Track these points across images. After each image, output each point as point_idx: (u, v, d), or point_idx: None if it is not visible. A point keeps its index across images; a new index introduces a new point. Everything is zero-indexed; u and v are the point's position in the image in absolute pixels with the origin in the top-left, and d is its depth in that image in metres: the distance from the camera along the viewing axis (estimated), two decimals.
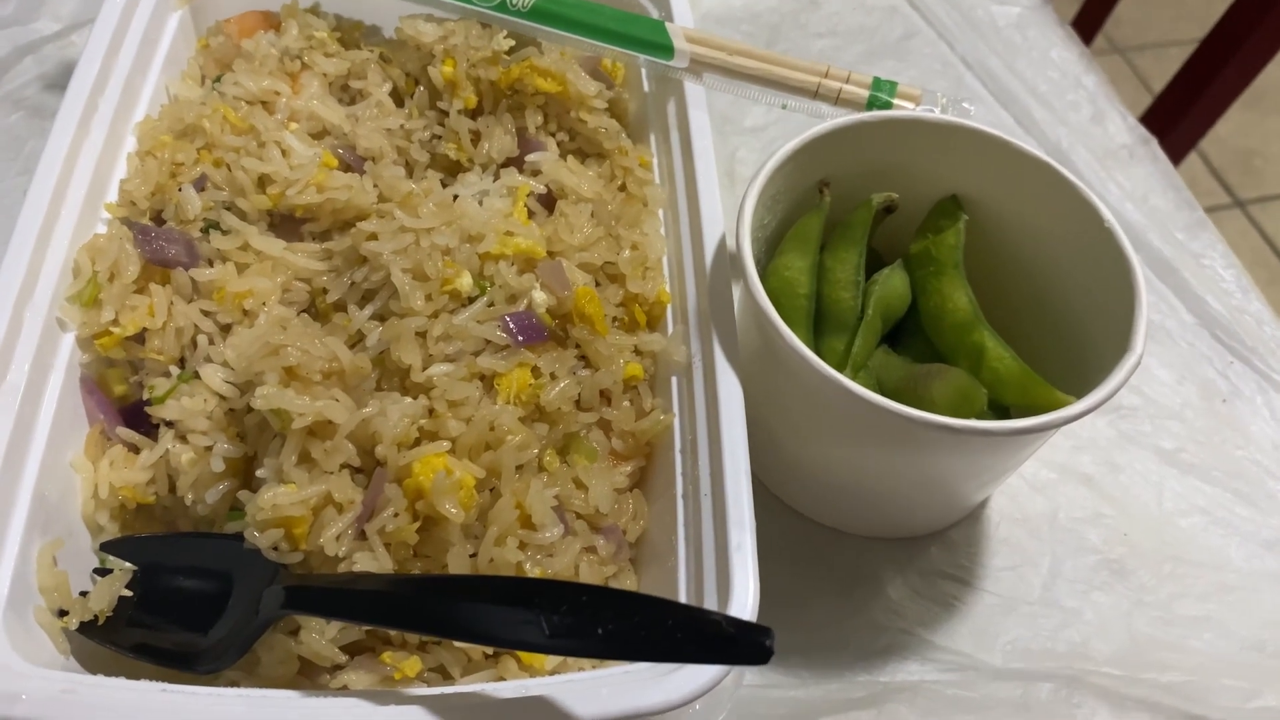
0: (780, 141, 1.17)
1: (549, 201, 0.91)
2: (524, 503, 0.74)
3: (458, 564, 0.71)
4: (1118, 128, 1.24)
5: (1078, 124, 1.24)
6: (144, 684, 0.65)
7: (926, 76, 1.27)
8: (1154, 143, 1.23)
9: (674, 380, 0.83)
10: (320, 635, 0.69)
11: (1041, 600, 0.89)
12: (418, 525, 0.71)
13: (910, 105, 0.95)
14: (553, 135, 0.95)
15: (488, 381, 0.78)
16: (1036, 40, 1.31)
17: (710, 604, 0.70)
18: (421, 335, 0.78)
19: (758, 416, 0.76)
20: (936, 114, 0.92)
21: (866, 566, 0.89)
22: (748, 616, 0.67)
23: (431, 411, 0.76)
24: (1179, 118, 1.72)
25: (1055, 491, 0.96)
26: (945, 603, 0.88)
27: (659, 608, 0.58)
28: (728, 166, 1.16)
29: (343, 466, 0.73)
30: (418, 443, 0.74)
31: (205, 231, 0.84)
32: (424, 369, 0.77)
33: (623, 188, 0.95)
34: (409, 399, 0.75)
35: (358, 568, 0.69)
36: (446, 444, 0.73)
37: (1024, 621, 0.88)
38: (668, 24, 0.97)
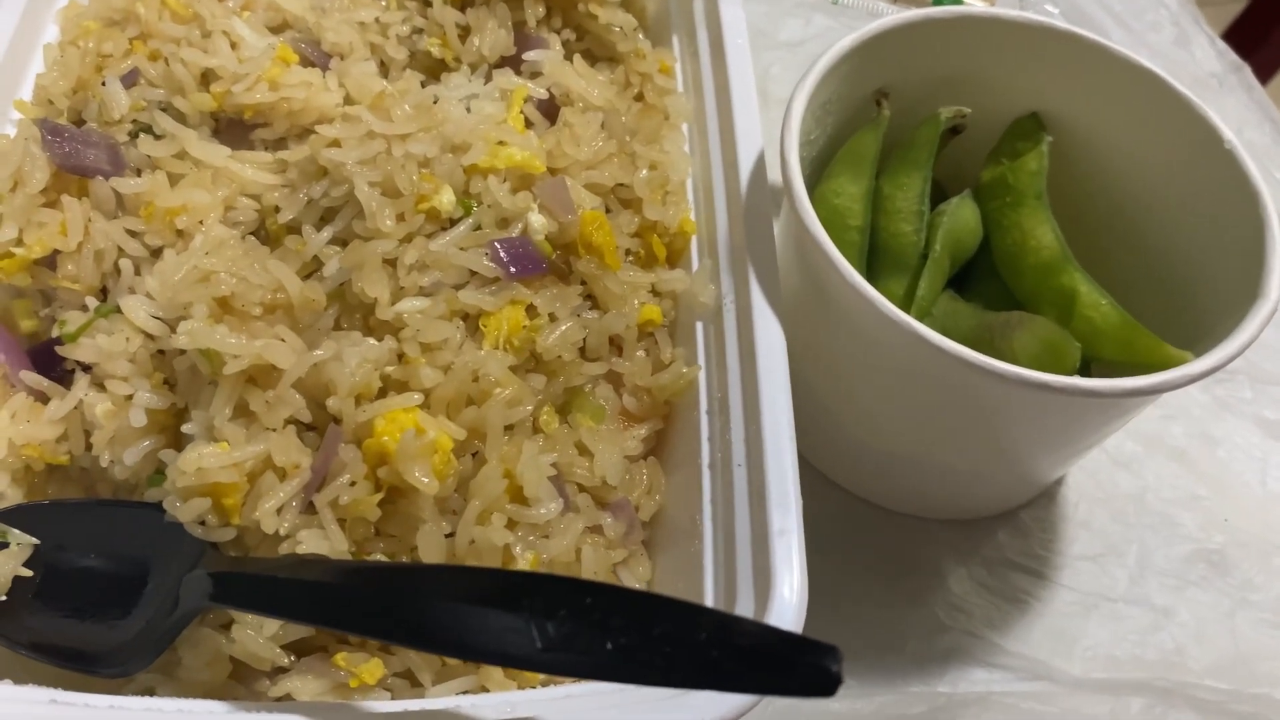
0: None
1: (550, 110, 0.76)
2: (514, 471, 0.59)
3: (430, 546, 0.57)
4: (1205, 53, 1.09)
5: (1159, 47, 1.08)
6: (29, 691, 0.51)
7: None
8: (1246, 70, 1.08)
9: (699, 327, 0.69)
10: (258, 632, 0.55)
11: (1127, 597, 0.75)
12: (380, 497, 0.57)
13: (984, 3, 0.80)
14: (556, 32, 0.80)
15: (471, 322, 0.64)
16: None
17: (745, 600, 0.56)
18: (390, 263, 0.64)
19: (796, 373, 0.62)
20: (1017, 11, 0.76)
21: (924, 553, 0.75)
22: (792, 619, 0.53)
23: (401, 357, 0.61)
24: (1271, 29, 1.53)
25: (1142, 468, 0.81)
26: (1015, 599, 0.74)
27: (687, 615, 0.43)
28: (760, 86, 1.01)
29: (288, 422, 0.59)
30: (382, 394, 0.60)
31: (134, 136, 0.69)
32: (392, 304, 0.62)
33: (639, 97, 0.80)
34: (372, 340, 0.61)
35: (304, 548, 0.55)
36: (418, 396, 0.59)
37: (1107, 623, 0.74)
38: None
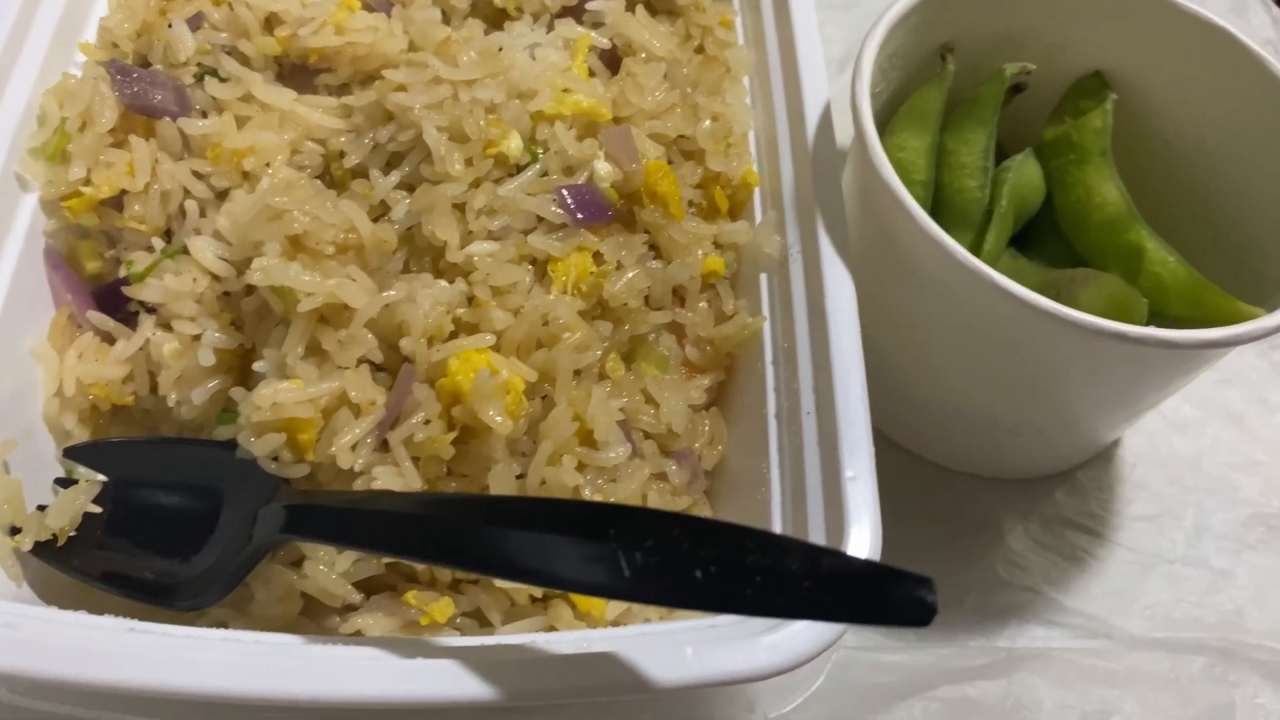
0: (874, 19, 1.01)
1: (612, 61, 0.76)
2: (584, 415, 0.59)
3: (502, 486, 0.57)
4: (1261, 20, 1.07)
5: (1215, 13, 1.07)
6: (108, 620, 0.51)
7: None
8: None
9: (763, 279, 0.68)
10: (329, 568, 0.55)
11: (1185, 559, 0.75)
12: (454, 435, 0.57)
13: None
14: None
15: (539, 267, 0.64)
16: None
17: (817, 541, 0.55)
18: (459, 208, 0.64)
19: (863, 330, 0.62)
20: None
21: (982, 511, 0.75)
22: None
23: (471, 300, 0.61)
24: None
25: (1199, 432, 0.81)
26: (1074, 557, 0.74)
27: (778, 545, 0.43)
28: None
29: (360, 362, 0.59)
30: (453, 336, 0.60)
31: (199, 79, 0.69)
32: (462, 247, 0.62)
33: (699, 50, 0.79)
34: (444, 282, 0.61)
35: (378, 484, 0.55)
36: (491, 338, 0.59)
37: (1166, 583, 0.74)
38: None
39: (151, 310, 0.65)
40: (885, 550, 0.55)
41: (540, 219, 0.64)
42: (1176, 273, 0.68)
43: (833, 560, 0.43)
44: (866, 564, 0.43)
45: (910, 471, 0.76)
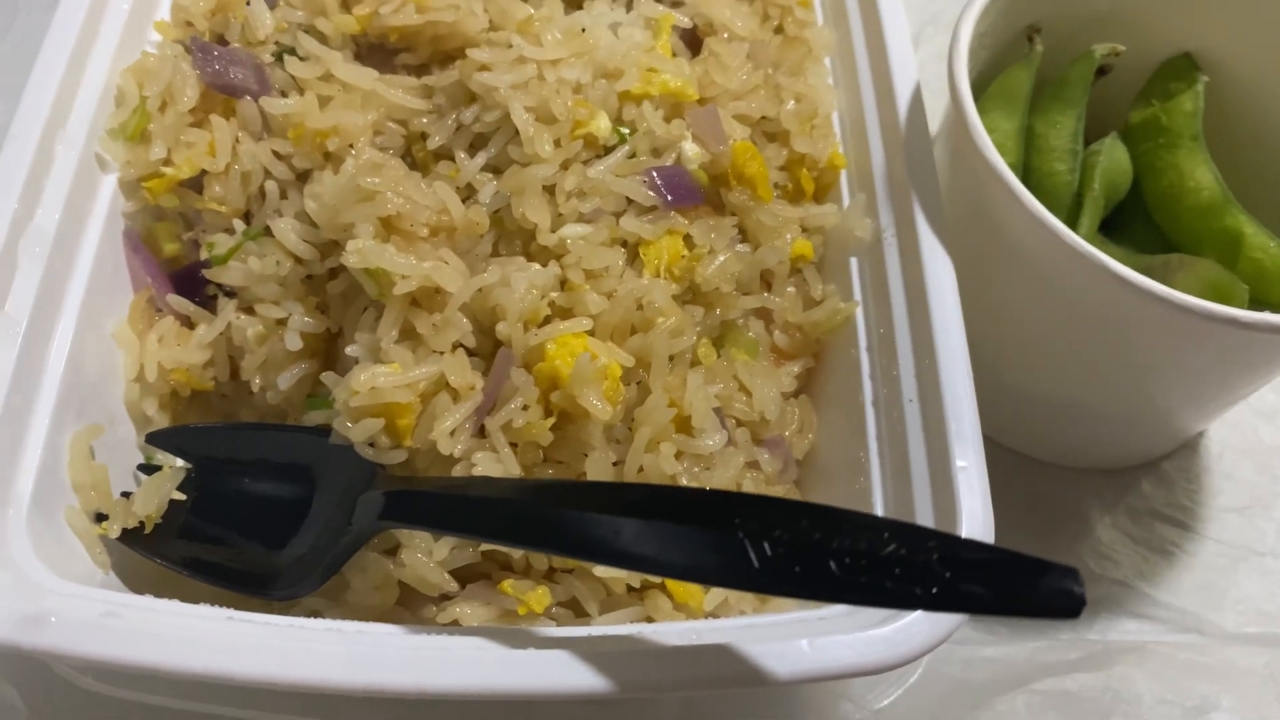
0: (943, 2, 0.99)
1: (693, 41, 0.74)
2: (679, 401, 0.58)
3: (599, 473, 0.56)
4: None
5: None
6: (206, 609, 0.50)
7: None
8: None
9: (853, 263, 0.67)
10: (427, 557, 0.54)
11: (1276, 551, 0.74)
12: (552, 421, 0.55)
13: None
14: None
15: (630, 250, 0.62)
16: None
17: None
18: (549, 190, 0.62)
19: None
20: None
21: (1069, 502, 0.73)
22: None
23: (564, 284, 0.60)
24: None
25: None
26: (1163, 549, 0.72)
27: (915, 536, 0.42)
28: None
29: (455, 346, 0.57)
30: (547, 321, 0.59)
31: (278, 58, 0.68)
32: (554, 230, 0.61)
33: (779, 30, 0.78)
34: (537, 265, 0.59)
35: (477, 471, 0.54)
36: (587, 322, 0.58)
37: (1257, 576, 0.72)
38: None
39: (231, 294, 0.64)
40: None
41: (630, 201, 0.63)
42: (1278, 258, 0.66)
43: (975, 551, 0.42)
44: (1011, 554, 0.41)
45: (994, 460, 0.73)
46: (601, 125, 0.64)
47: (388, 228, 0.58)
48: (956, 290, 0.60)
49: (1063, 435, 0.74)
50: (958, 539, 0.45)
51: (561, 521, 0.47)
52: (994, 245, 0.65)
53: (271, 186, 0.65)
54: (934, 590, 0.40)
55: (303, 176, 0.66)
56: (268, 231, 0.63)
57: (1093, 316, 0.63)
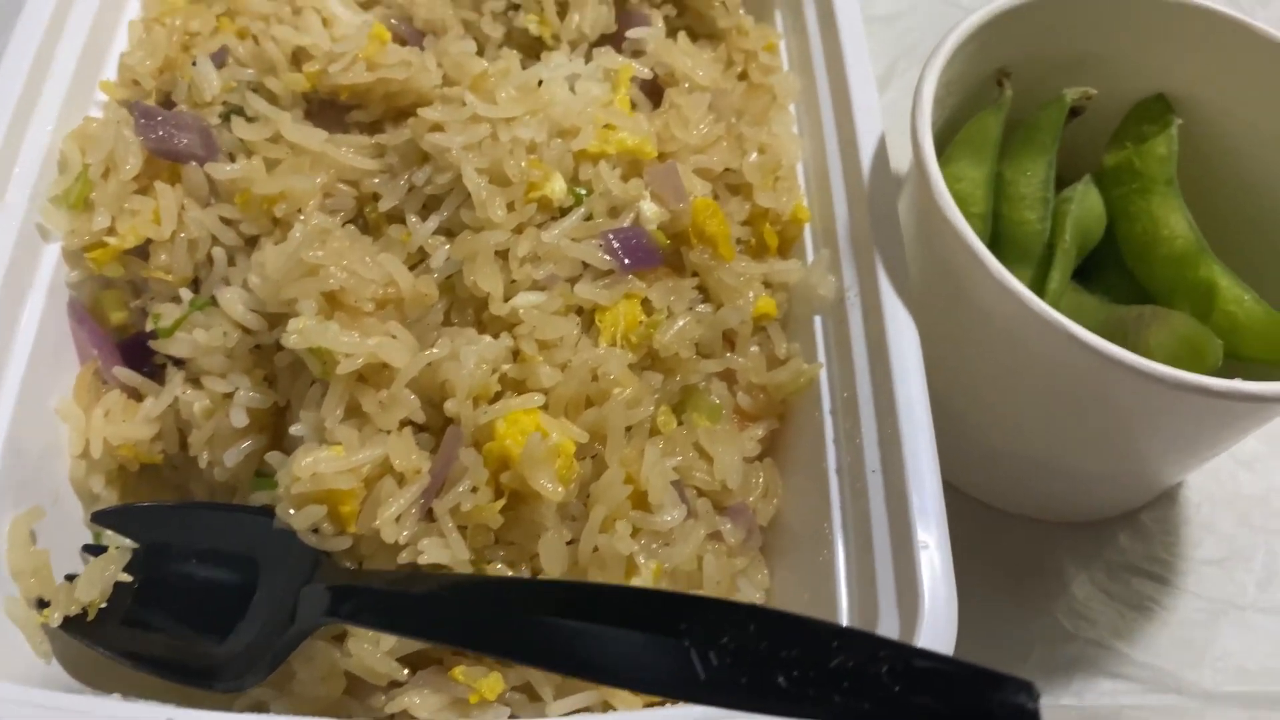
0: (917, 34, 0.98)
1: (654, 91, 0.72)
2: (636, 476, 0.56)
3: (552, 555, 0.54)
4: None
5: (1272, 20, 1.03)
6: (143, 709, 0.49)
7: None
8: None
9: (817, 321, 0.65)
10: (374, 646, 0.52)
11: (1257, 605, 0.72)
12: (503, 503, 0.54)
13: None
14: (657, 8, 0.76)
15: (586, 316, 0.61)
16: None
17: (889, 619, 0.53)
18: (502, 255, 0.61)
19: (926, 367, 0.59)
20: None
21: (1045, 557, 0.72)
22: (944, 640, 0.50)
23: (517, 354, 0.58)
24: None
25: (1266, 468, 0.78)
26: (1140, 605, 0.71)
27: (865, 645, 0.40)
28: None
29: (403, 424, 0.56)
30: (500, 395, 0.57)
31: (225, 119, 0.66)
32: (507, 299, 0.59)
33: (743, 76, 0.76)
34: (488, 338, 0.58)
35: (424, 558, 0.52)
36: (539, 397, 0.56)
37: (1236, 631, 0.71)
38: None
39: (180, 364, 0.62)
40: None
41: (586, 265, 0.61)
42: (1252, 312, 0.65)
43: (927, 661, 0.40)
44: (963, 666, 0.39)
45: (965, 513, 0.73)
46: (556, 187, 0.62)
47: (332, 303, 0.56)
48: (920, 354, 0.59)
49: (1036, 490, 0.72)
50: (909, 649, 0.43)
51: (506, 625, 0.45)
52: (960, 305, 0.63)
53: (219, 253, 0.63)
54: (883, 704, 0.38)
55: (251, 242, 0.64)
56: (215, 301, 0.61)
57: (1063, 379, 0.61)
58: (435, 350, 0.56)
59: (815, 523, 0.59)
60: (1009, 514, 0.74)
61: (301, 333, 0.54)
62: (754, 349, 0.66)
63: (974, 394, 0.68)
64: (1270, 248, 0.71)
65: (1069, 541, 0.73)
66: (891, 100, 0.93)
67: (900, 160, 0.69)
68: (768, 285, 0.68)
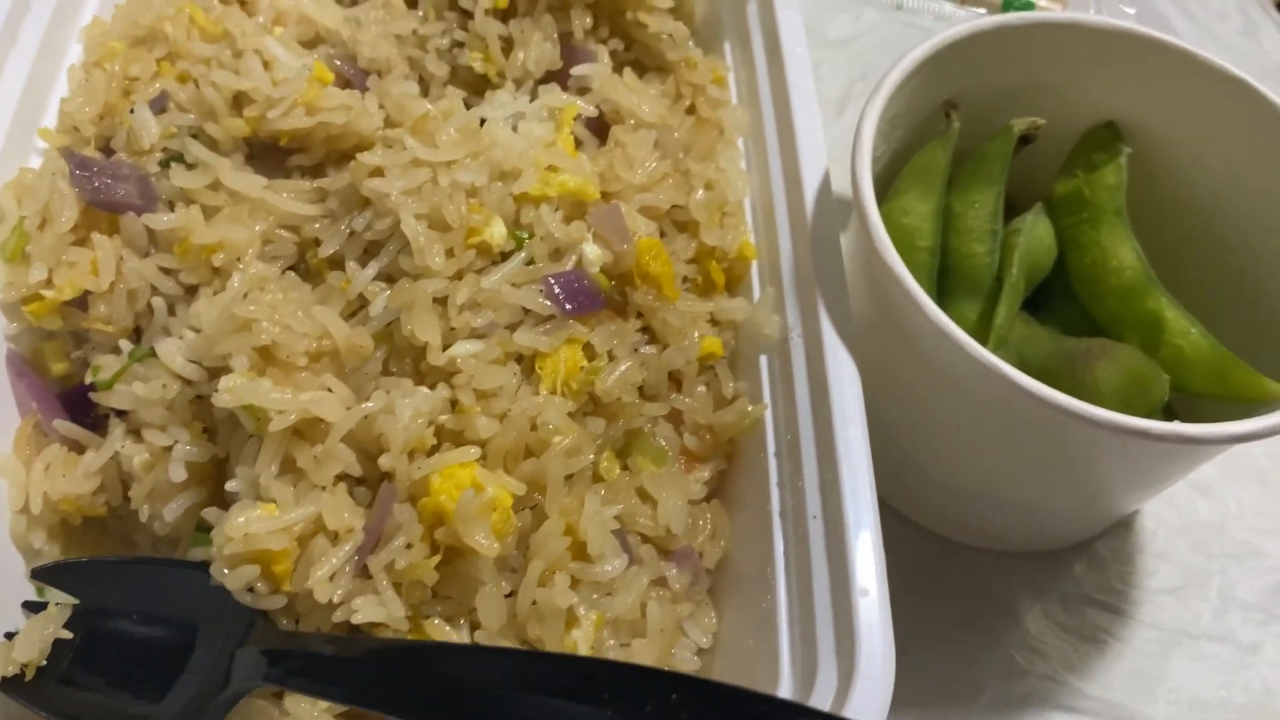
0: (873, 55, 0.97)
1: (600, 128, 0.72)
2: (576, 526, 0.56)
3: (490, 610, 0.54)
4: (1275, 42, 1.03)
5: (1226, 37, 1.03)
6: None
7: None
8: None
9: (763, 360, 0.65)
10: (312, 705, 0.52)
11: (1211, 633, 0.72)
12: (438, 559, 0.54)
13: (1057, 6, 0.75)
14: (603, 43, 0.76)
15: (527, 363, 0.61)
16: None
17: (827, 667, 0.52)
18: (441, 302, 0.60)
19: (866, 401, 0.59)
20: (1095, 16, 0.72)
21: (999, 589, 0.71)
22: (879, 690, 0.50)
23: (455, 404, 0.58)
24: None
25: (1222, 493, 0.78)
26: (1094, 638, 0.71)
27: (783, 710, 0.40)
28: None
29: (339, 479, 0.56)
30: (437, 447, 0.57)
31: (165, 165, 0.66)
32: (445, 348, 0.59)
33: (691, 110, 0.76)
34: (424, 390, 0.57)
35: (359, 617, 0.52)
36: (475, 450, 0.56)
37: (1190, 662, 0.70)
38: None
39: (123, 413, 0.62)
40: (899, 634, 0.51)
41: (527, 311, 0.61)
42: (1199, 346, 0.64)
43: None
44: None
45: (921, 547, 0.73)
46: (496, 232, 0.62)
47: (265, 357, 0.56)
48: (860, 397, 0.58)
49: (989, 521, 0.72)
50: (829, 716, 0.43)
51: (432, 692, 0.45)
52: (904, 345, 0.63)
53: (159, 303, 0.63)
54: None
55: (192, 291, 0.64)
56: (155, 352, 0.61)
57: (1008, 420, 0.61)
58: (370, 404, 0.56)
59: (760, 566, 0.59)
60: (963, 545, 0.74)
61: (232, 391, 0.53)
62: (701, 389, 0.65)
63: (922, 430, 0.68)
64: (1220, 276, 0.71)
65: (1023, 572, 0.72)
66: (847, 125, 0.93)
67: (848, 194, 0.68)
68: (715, 323, 0.67)
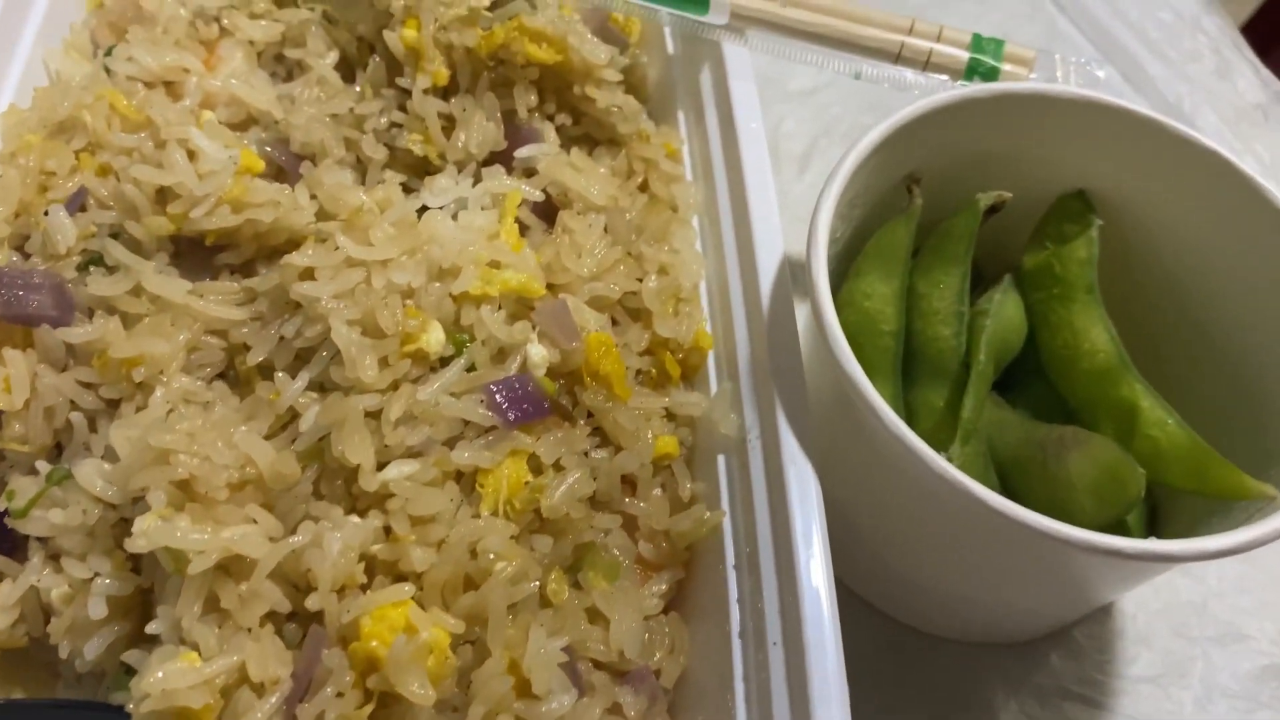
0: (837, 109, 0.94)
1: (548, 210, 0.69)
2: (520, 662, 0.53)
3: None
4: (1249, 83, 1.01)
5: (1199, 79, 1.00)
6: None
7: (1011, 23, 1.03)
8: None
9: (721, 461, 0.62)
10: None
11: None
12: (371, 708, 0.50)
13: (1023, 71, 0.72)
14: (550, 118, 0.72)
15: (467, 479, 0.57)
16: None
17: None
18: (375, 416, 0.57)
19: (830, 494, 0.56)
20: (1062, 85, 0.69)
21: (972, 683, 0.69)
22: None
23: (389, 531, 0.54)
24: None
25: (1204, 571, 0.75)
26: None
27: None
28: (771, 142, 0.92)
29: (266, 618, 0.52)
30: (369, 583, 0.53)
31: (84, 268, 0.62)
32: (378, 466, 0.55)
33: (644, 186, 0.73)
34: (355, 519, 0.54)
35: None
36: (409, 588, 0.52)
37: None
38: None
39: (42, 540, 0.58)
40: None
41: (466, 423, 0.58)
42: (1175, 438, 0.62)
43: None
44: None
45: (893, 640, 0.70)
46: (434, 339, 0.58)
47: (183, 490, 0.52)
48: (821, 511, 0.55)
49: (962, 616, 0.69)
50: None
51: None
52: (865, 448, 0.60)
53: (78, 419, 0.59)
54: None
55: (114, 405, 0.60)
56: (73, 474, 0.57)
57: (976, 529, 0.58)
58: (296, 538, 0.52)
59: (720, 692, 0.56)
60: (937, 638, 0.71)
61: (147, 535, 0.50)
62: (656, 492, 0.62)
63: (886, 525, 0.65)
64: (1196, 359, 0.68)
65: (999, 665, 0.70)
66: (810, 184, 0.90)
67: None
68: (671, 417, 0.64)
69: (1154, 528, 0.68)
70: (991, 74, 0.71)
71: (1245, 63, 1.02)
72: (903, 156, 0.68)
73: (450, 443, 0.57)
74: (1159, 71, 0.99)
